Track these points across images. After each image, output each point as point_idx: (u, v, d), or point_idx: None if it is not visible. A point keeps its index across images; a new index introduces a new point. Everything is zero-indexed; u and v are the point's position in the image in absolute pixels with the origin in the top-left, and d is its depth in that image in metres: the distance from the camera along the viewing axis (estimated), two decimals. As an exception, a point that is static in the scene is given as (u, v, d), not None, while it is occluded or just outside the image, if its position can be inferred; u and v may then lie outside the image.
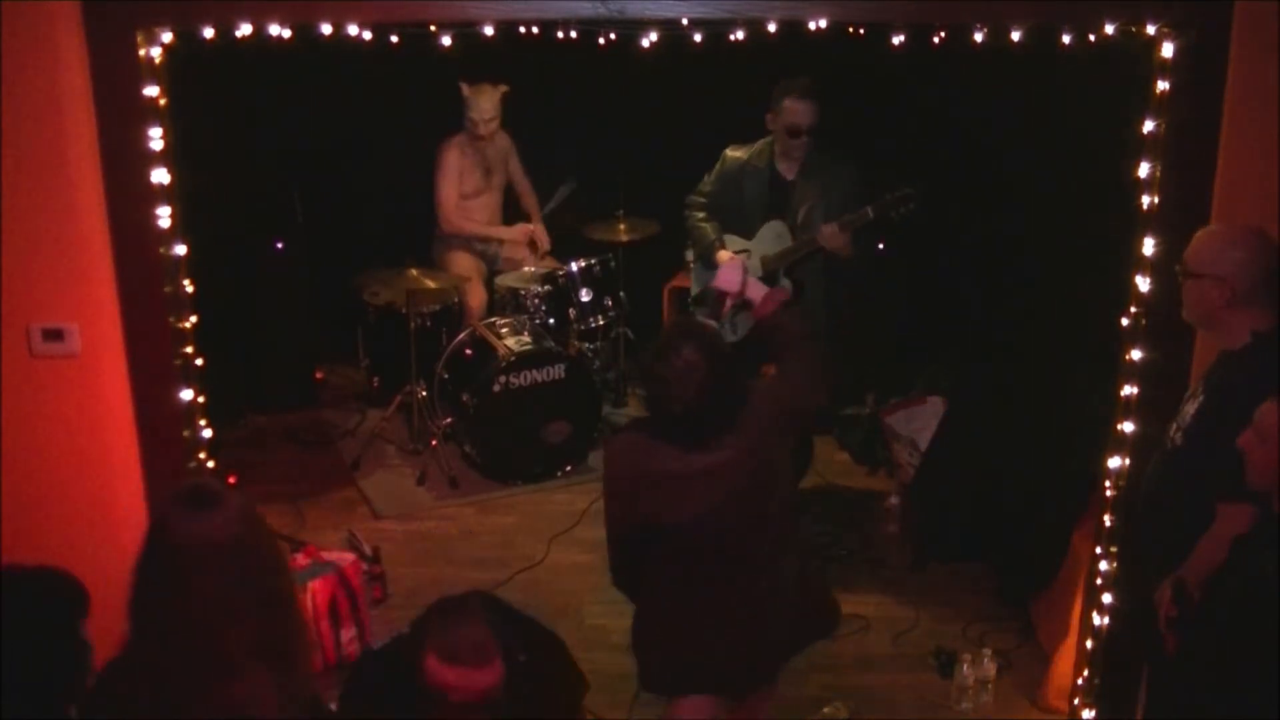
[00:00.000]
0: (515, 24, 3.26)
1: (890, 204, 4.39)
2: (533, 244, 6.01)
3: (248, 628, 2.04)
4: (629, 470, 3.08)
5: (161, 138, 3.24)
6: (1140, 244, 3.25)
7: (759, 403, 3.04)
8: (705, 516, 2.98)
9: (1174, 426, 2.90)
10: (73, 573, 2.44)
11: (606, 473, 3.20)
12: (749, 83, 4.69)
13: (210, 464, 3.61)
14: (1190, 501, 2.74)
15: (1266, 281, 2.74)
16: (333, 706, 2.92)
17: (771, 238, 4.64)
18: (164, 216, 3.29)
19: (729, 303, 3.45)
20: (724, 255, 4.60)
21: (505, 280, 5.90)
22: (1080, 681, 3.69)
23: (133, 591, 2.08)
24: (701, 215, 4.75)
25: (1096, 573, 3.53)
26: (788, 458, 3.20)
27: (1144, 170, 3.25)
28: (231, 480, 5.04)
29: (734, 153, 4.73)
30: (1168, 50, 3.12)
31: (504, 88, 5.67)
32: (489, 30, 3.17)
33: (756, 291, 3.35)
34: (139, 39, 3.14)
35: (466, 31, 3.20)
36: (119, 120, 3.19)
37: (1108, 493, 3.48)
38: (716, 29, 3.28)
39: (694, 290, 4.93)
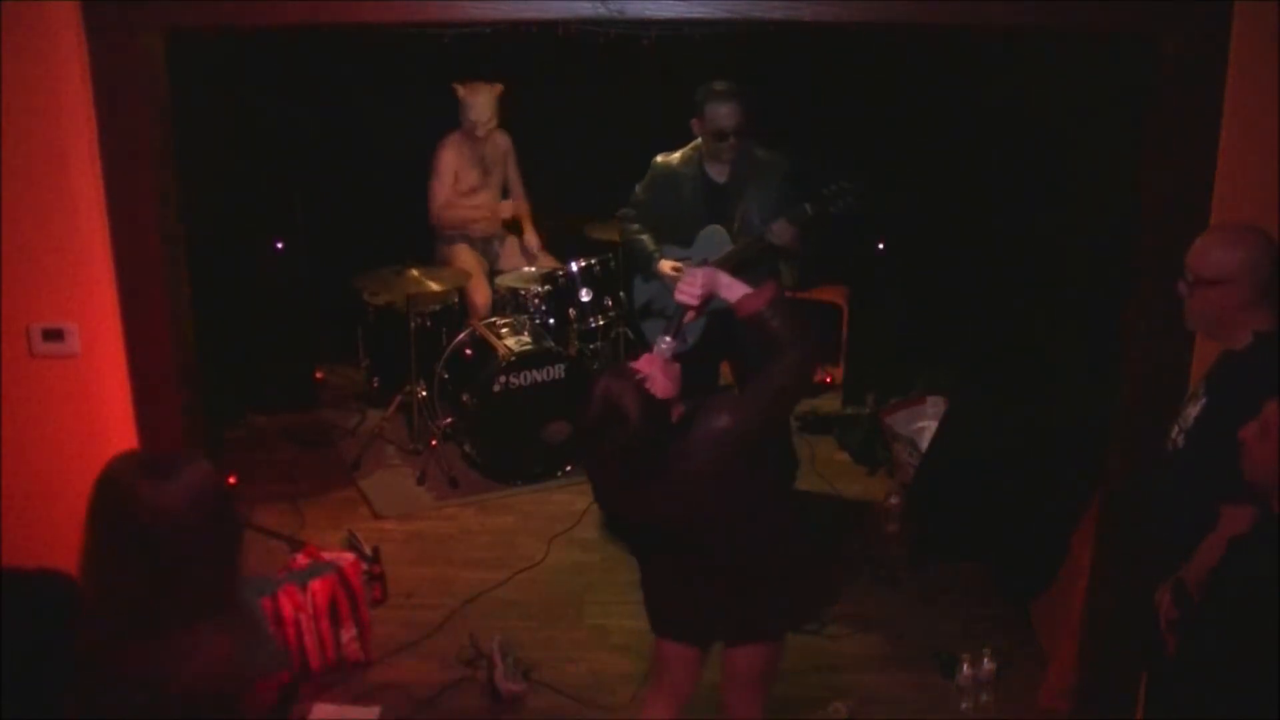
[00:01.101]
0: (515, 24, 3.26)
1: (828, 198, 4.38)
2: (525, 248, 6.00)
3: (191, 588, 2.09)
4: (602, 482, 3.18)
5: (161, 138, 3.24)
6: (1140, 244, 3.25)
7: (719, 418, 2.98)
8: (672, 519, 3.03)
9: (1176, 429, 2.89)
10: (72, 574, 2.45)
11: (587, 473, 3.34)
12: (748, 82, 4.68)
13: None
14: (1192, 503, 2.72)
15: (1270, 281, 2.73)
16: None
17: (711, 244, 4.60)
18: (164, 216, 3.29)
19: (691, 316, 3.24)
20: (665, 265, 4.60)
21: (505, 280, 5.90)
22: (1080, 681, 3.69)
23: (85, 554, 2.12)
24: (636, 228, 4.72)
25: (1096, 573, 3.53)
26: (761, 461, 3.12)
27: (1144, 170, 3.24)
28: (232, 480, 5.06)
29: (662, 160, 4.69)
30: (1168, 50, 3.12)
31: (499, 87, 5.66)
32: (489, 30, 3.17)
33: (734, 291, 3.07)
34: (139, 39, 3.14)
35: (466, 31, 3.20)
36: (119, 120, 3.18)
37: (1108, 493, 3.48)
38: (717, 29, 3.27)
39: (638, 303, 4.91)
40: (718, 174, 4.61)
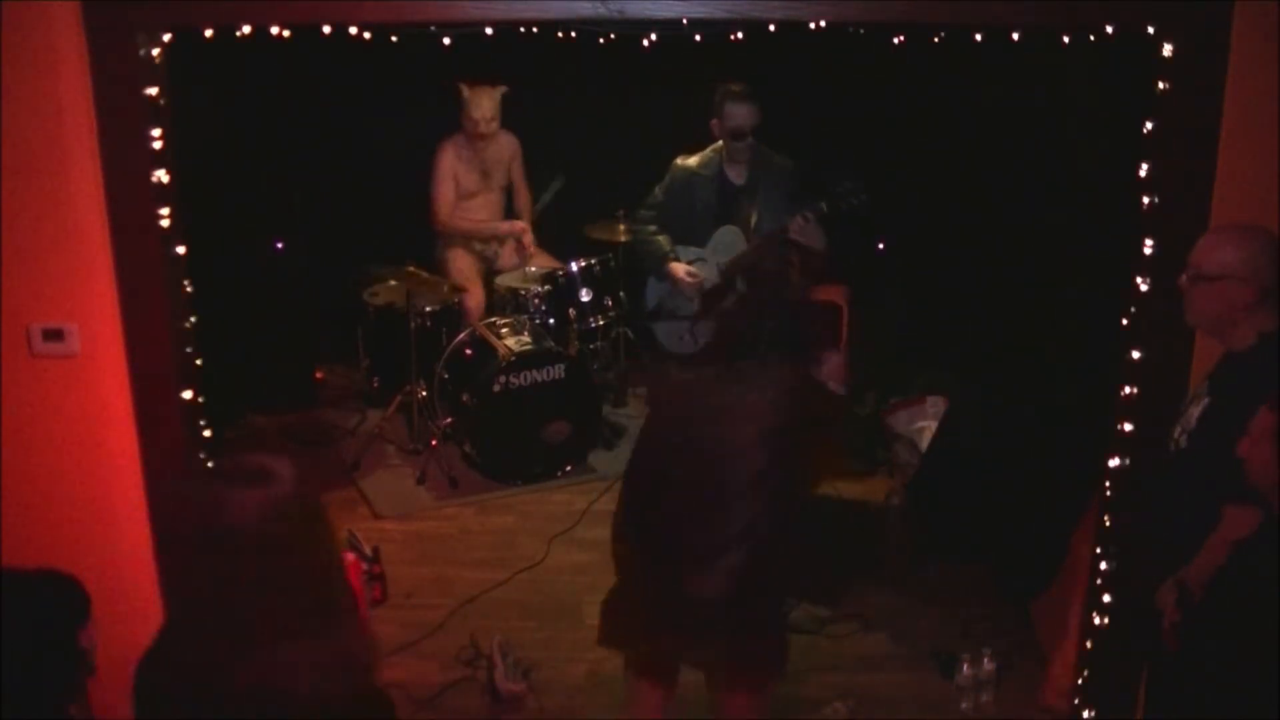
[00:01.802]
0: (515, 24, 3.26)
1: (840, 196, 4.49)
2: (519, 244, 6.01)
3: (285, 601, 2.01)
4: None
5: (161, 138, 3.24)
6: (1140, 244, 3.25)
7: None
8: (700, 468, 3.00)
9: (1178, 429, 2.89)
10: (74, 575, 2.45)
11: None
12: (749, 82, 4.69)
13: (210, 464, 3.61)
14: (1195, 503, 2.73)
15: (1274, 282, 2.73)
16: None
17: (726, 243, 4.71)
18: (164, 216, 3.29)
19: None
20: (679, 269, 4.67)
21: (505, 280, 5.90)
22: (1080, 681, 3.69)
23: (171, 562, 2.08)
24: (652, 229, 4.80)
25: (1096, 573, 3.53)
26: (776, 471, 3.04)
27: (1144, 170, 3.25)
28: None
29: (683, 162, 4.80)
30: (1168, 50, 3.12)
31: (503, 88, 5.67)
32: (489, 30, 3.17)
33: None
34: (139, 39, 3.14)
35: (466, 31, 3.20)
36: (119, 120, 3.18)
37: (1108, 493, 3.48)
38: (716, 29, 3.27)
39: (650, 304, 4.97)
40: (736, 175, 4.72)
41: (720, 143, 4.72)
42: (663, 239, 4.75)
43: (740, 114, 4.59)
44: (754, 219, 4.68)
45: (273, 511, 2.00)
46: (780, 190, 4.68)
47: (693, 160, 4.78)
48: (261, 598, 1.99)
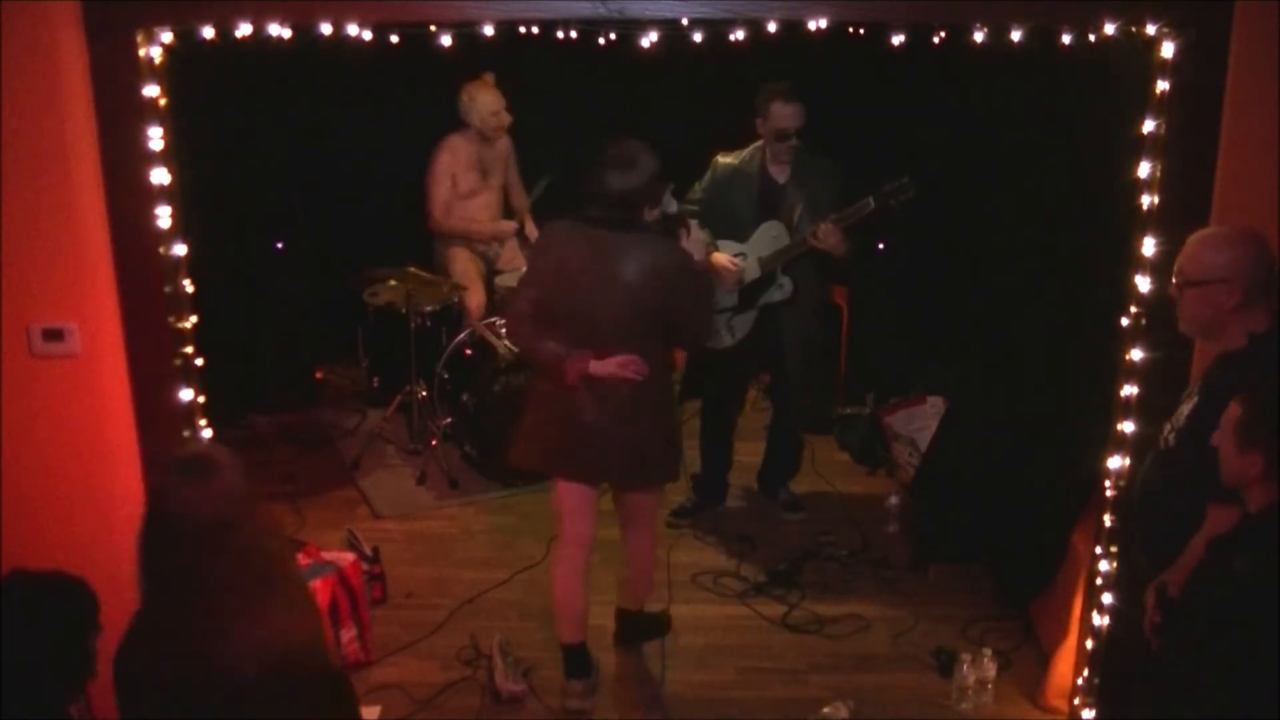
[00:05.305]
0: (515, 24, 3.27)
1: (889, 194, 4.52)
2: (524, 236, 6.00)
3: (245, 587, 2.13)
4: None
5: (161, 138, 3.24)
6: (1140, 244, 3.26)
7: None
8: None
9: (1168, 427, 2.90)
10: (82, 577, 2.45)
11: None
12: (749, 83, 4.69)
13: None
14: (1182, 502, 2.74)
15: (1265, 282, 2.74)
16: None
17: (768, 239, 4.74)
18: (164, 216, 3.29)
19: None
20: (721, 257, 4.67)
21: (505, 280, 5.89)
22: (1080, 681, 3.69)
23: (138, 557, 2.16)
24: (694, 223, 4.77)
25: (1096, 573, 3.54)
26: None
27: (1144, 170, 3.25)
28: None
29: (724, 159, 4.82)
30: (1168, 50, 3.12)
31: (489, 74, 5.68)
32: (489, 30, 3.18)
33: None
34: (139, 39, 3.15)
35: (466, 31, 3.20)
36: (119, 120, 3.18)
37: (1108, 493, 3.48)
38: (716, 29, 3.28)
39: None
40: (778, 174, 4.75)
41: (761, 140, 4.72)
42: (704, 233, 4.75)
43: (787, 114, 4.59)
44: (797, 215, 4.70)
45: (216, 502, 2.11)
46: (821, 192, 4.69)
47: (736, 157, 4.80)
48: (206, 580, 2.10)
